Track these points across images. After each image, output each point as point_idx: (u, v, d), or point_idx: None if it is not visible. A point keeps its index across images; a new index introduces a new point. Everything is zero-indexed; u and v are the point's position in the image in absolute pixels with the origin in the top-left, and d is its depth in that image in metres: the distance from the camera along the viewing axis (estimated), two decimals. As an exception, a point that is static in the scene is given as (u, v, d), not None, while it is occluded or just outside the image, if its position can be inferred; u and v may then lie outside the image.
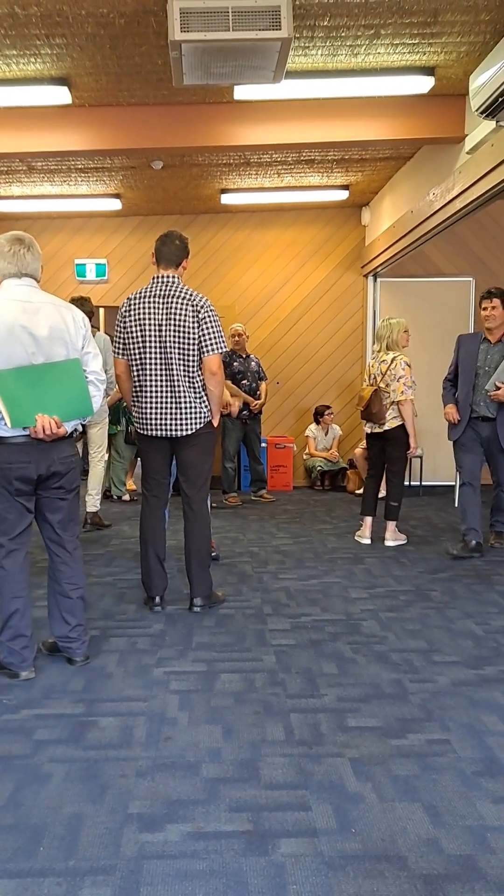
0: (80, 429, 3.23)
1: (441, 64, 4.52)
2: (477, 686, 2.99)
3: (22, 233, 3.10)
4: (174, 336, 3.75)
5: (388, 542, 5.56)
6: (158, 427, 3.84)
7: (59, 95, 4.85)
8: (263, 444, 7.82)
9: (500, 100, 4.10)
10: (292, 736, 2.58)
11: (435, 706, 2.81)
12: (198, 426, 3.84)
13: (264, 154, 6.22)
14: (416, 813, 2.13)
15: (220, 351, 3.79)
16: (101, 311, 8.40)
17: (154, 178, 6.93)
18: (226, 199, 7.49)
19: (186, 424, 3.82)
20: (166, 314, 3.75)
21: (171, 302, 3.76)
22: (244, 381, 7.35)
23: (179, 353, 3.76)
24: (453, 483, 7.38)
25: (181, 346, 3.76)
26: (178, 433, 3.83)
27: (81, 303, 6.01)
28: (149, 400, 3.83)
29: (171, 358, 3.76)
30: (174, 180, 7.02)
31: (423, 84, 4.68)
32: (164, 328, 3.75)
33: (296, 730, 2.63)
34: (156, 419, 3.83)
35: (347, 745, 2.52)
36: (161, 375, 3.79)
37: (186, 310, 3.75)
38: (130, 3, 3.79)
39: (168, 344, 3.75)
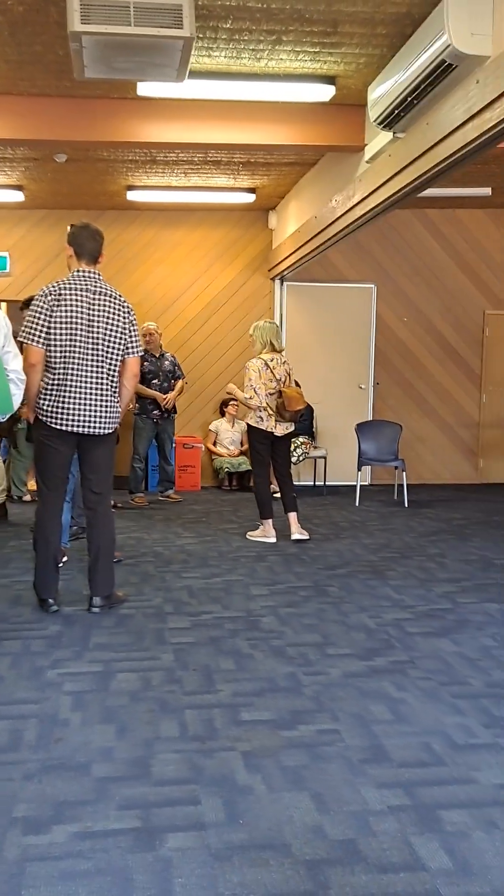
0: None
1: (341, 74, 4.65)
2: (367, 677, 3.09)
3: None
4: (105, 334, 3.73)
5: (298, 535, 5.66)
6: (77, 423, 3.74)
7: (-45, 80, 4.68)
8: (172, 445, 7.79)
9: (396, 112, 4.25)
10: (186, 732, 2.59)
11: (326, 698, 2.89)
12: (114, 425, 3.84)
13: (170, 153, 6.20)
14: (302, 801, 2.18)
15: (140, 353, 3.91)
16: (3, 304, 8.14)
17: (58, 171, 6.78)
18: (132, 195, 7.43)
19: (106, 422, 3.80)
20: (98, 311, 3.73)
21: (102, 300, 3.75)
22: (154, 381, 7.29)
23: (108, 352, 3.75)
24: (355, 483, 7.59)
25: (111, 345, 3.75)
26: (99, 431, 3.79)
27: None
28: (71, 394, 3.72)
29: (100, 355, 3.74)
30: (79, 174, 6.90)
31: (325, 92, 4.80)
32: (94, 325, 3.72)
33: (190, 726, 2.64)
34: (76, 415, 3.73)
35: (240, 738, 2.55)
36: (89, 372, 3.73)
37: (118, 310, 3.77)
38: (29, -10, 3.70)
39: (99, 341, 3.72)
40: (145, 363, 7.24)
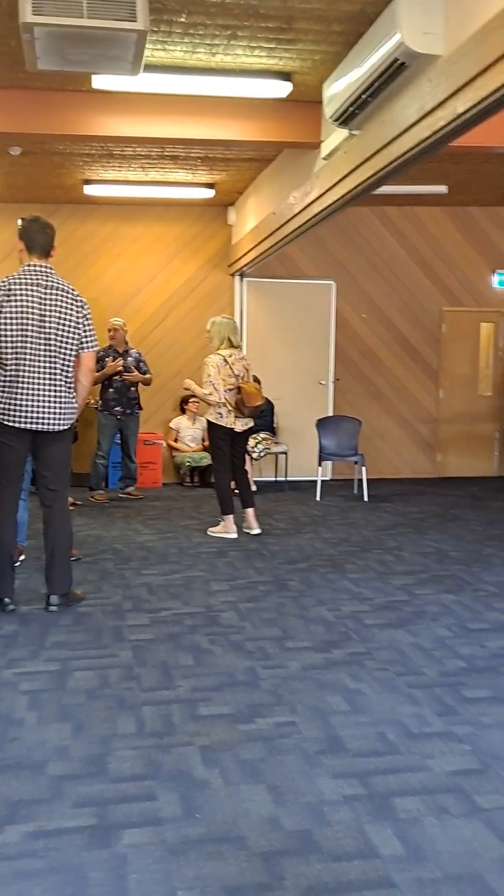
0: None
1: (297, 70, 4.66)
2: (325, 669, 3.12)
3: None
4: (58, 329, 3.69)
5: (256, 530, 5.69)
6: (31, 420, 3.69)
7: None
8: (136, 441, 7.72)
9: (351, 109, 4.28)
10: (143, 728, 2.59)
11: (284, 690, 2.91)
12: (70, 421, 3.79)
13: (127, 147, 6.15)
14: (259, 794, 2.19)
15: (95, 348, 3.88)
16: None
17: (14, 164, 6.66)
18: (89, 189, 7.34)
19: (61, 419, 3.76)
20: (50, 306, 3.68)
21: (54, 294, 3.70)
22: (116, 377, 7.21)
23: (61, 347, 3.71)
24: (316, 478, 7.65)
25: (63, 340, 3.71)
26: (54, 427, 3.74)
27: None
28: (25, 391, 3.67)
29: (53, 351, 3.69)
30: (35, 167, 6.80)
31: (281, 89, 4.80)
32: (46, 320, 3.67)
33: (147, 722, 2.64)
34: (31, 411, 3.69)
35: (198, 733, 2.56)
36: (42, 367, 3.68)
37: (71, 305, 3.74)
38: (-21, -21, 3.63)
39: (51, 336, 3.68)
40: (107, 359, 7.17)
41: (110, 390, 7.23)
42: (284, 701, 2.82)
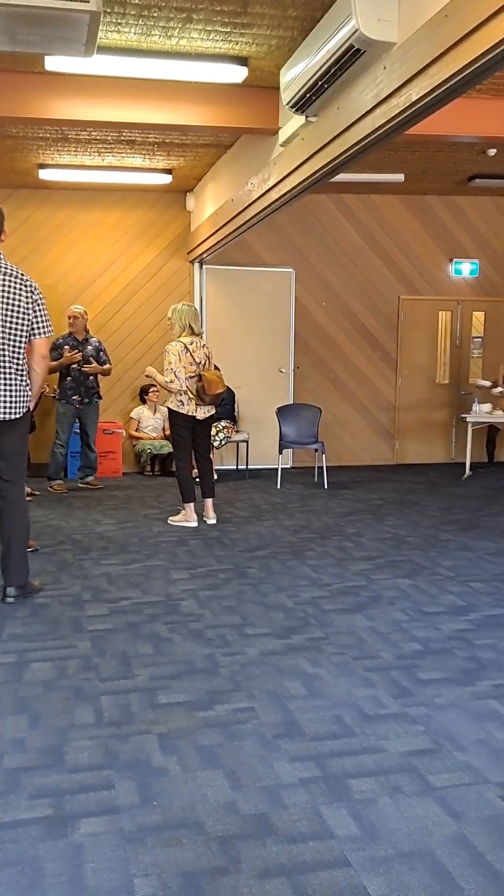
0: None
1: (254, 55, 4.62)
2: (283, 655, 3.15)
3: None
4: (6, 315, 3.62)
5: (212, 520, 5.71)
6: None
7: None
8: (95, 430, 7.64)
9: (308, 95, 4.26)
10: (101, 718, 2.58)
11: (243, 677, 2.93)
12: (24, 410, 3.72)
13: (82, 131, 6.04)
14: (216, 780, 2.21)
15: (49, 334, 3.80)
16: None
17: (-35, 147, 6.50)
18: (44, 174, 7.20)
19: (14, 408, 3.69)
20: None
21: (2, 280, 3.62)
22: (74, 366, 7.11)
23: (10, 334, 3.64)
24: (276, 466, 7.67)
25: (13, 326, 3.64)
26: (5, 416, 3.67)
27: None
28: None
29: (2, 338, 3.62)
30: (-13, 151, 6.64)
31: (237, 74, 4.76)
32: None
33: (105, 712, 2.63)
34: None
35: (156, 721, 2.56)
36: None
37: (20, 290, 3.66)
38: None
39: None
40: (66, 347, 7.07)
41: (68, 379, 7.14)
42: (243, 687, 2.83)
